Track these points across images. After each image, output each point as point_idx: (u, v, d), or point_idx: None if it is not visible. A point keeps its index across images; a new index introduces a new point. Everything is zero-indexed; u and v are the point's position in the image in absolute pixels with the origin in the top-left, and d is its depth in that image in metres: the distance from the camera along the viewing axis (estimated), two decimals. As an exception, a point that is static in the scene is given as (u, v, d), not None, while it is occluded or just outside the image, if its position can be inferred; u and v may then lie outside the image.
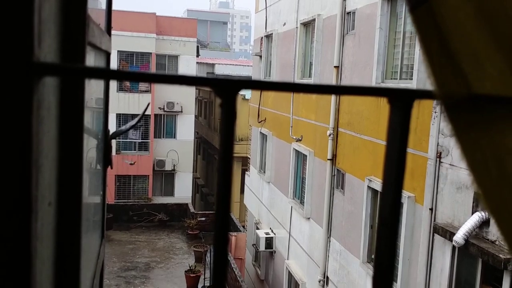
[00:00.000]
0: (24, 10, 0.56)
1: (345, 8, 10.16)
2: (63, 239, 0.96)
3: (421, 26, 0.46)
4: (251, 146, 17.98)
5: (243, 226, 20.12)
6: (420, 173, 7.23)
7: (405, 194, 7.49)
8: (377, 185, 8.52)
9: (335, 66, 10.42)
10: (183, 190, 27.69)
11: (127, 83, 25.95)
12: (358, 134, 9.54)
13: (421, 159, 7.18)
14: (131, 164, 25.54)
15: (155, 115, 26.73)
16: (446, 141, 6.71)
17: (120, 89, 25.80)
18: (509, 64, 0.43)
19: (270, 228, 15.04)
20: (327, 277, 10.87)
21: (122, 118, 24.92)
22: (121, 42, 24.63)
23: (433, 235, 6.90)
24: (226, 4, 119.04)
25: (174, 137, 27.71)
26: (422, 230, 7.19)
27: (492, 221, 5.64)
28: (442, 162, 6.79)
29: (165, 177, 27.71)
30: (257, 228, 15.94)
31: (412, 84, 7.56)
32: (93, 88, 1.58)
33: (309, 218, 12.00)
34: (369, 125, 9.04)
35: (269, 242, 14.62)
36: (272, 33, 15.03)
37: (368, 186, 8.92)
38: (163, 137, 27.56)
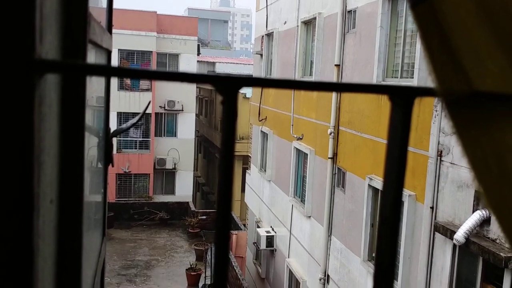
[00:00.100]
0: (26, 6, 0.57)
1: (346, 6, 10.15)
2: (65, 237, 0.96)
3: (422, 23, 0.46)
4: (252, 145, 17.98)
5: (244, 225, 20.13)
6: (421, 171, 7.23)
7: (406, 192, 7.48)
8: (378, 183, 8.51)
9: (336, 65, 10.41)
10: (184, 189, 27.72)
11: (128, 82, 25.96)
12: (358, 133, 9.54)
13: (422, 157, 7.17)
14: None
15: (156, 114, 26.74)
16: (447, 140, 6.71)
17: (121, 87, 25.81)
18: (510, 61, 0.43)
19: (271, 227, 15.04)
20: (328, 275, 10.87)
21: (123, 116, 24.93)
22: (122, 40, 24.63)
23: (433, 234, 6.90)
24: (227, 2, 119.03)
25: (175, 136, 27.73)
26: (423, 228, 7.19)
27: (493, 219, 5.64)
28: (443, 160, 6.78)
29: (166, 176, 27.73)
30: (258, 227, 15.94)
31: (413, 83, 7.55)
32: (94, 87, 1.58)
33: (309, 216, 12.00)
34: (369, 123, 9.04)
35: (270, 240, 14.63)
36: (273, 32, 15.01)
37: (368, 185, 8.92)
38: (164, 136, 27.58)
